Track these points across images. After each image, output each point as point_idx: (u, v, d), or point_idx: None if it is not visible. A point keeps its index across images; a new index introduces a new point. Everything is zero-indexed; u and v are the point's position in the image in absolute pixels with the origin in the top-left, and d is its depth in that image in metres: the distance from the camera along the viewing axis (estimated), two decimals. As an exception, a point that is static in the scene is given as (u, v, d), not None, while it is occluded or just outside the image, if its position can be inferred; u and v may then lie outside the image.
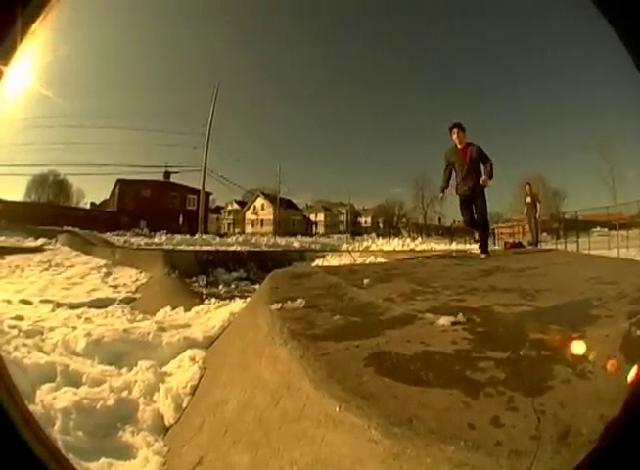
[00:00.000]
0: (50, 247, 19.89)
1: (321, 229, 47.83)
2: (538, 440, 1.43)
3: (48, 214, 29.52)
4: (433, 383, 1.87)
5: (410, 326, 2.80)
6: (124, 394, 3.79)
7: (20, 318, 7.17)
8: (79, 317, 7.65)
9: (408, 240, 27.44)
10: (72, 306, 8.95)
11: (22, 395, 2.13)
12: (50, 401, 3.42)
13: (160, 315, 7.64)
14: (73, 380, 4.03)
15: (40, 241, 21.14)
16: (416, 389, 1.81)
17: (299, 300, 3.54)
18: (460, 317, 2.85)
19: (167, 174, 39.73)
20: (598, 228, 29.85)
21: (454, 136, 9.41)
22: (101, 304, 9.52)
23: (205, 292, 12.29)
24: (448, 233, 36.61)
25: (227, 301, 8.57)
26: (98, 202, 41.25)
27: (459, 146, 9.39)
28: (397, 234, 32.32)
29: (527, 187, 18.48)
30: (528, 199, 17.80)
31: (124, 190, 37.65)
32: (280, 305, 3.44)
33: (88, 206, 40.09)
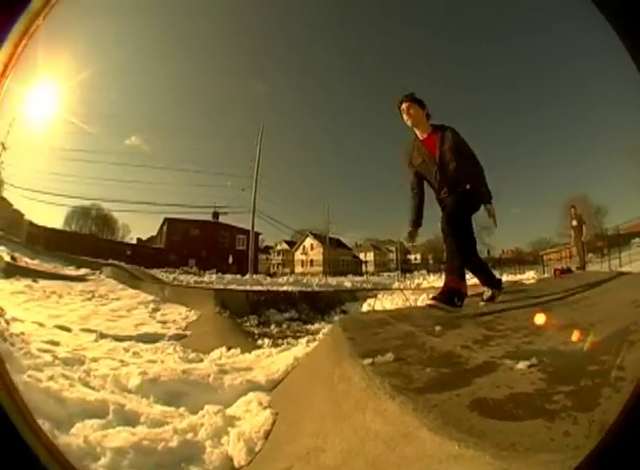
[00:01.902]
0: (93, 278, 19.68)
1: (371, 268, 47.36)
2: (589, 437, 1.84)
3: (91, 246, 29.60)
4: (523, 417, 2.19)
5: (494, 373, 3.02)
6: (189, 436, 3.72)
7: (54, 343, 7.11)
8: (126, 350, 7.63)
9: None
10: (118, 339, 8.79)
11: (52, 423, 2.69)
12: (98, 438, 3.33)
13: (214, 355, 7.54)
14: (128, 418, 3.98)
15: (83, 271, 20.97)
16: (512, 423, 2.13)
17: (389, 354, 3.51)
18: (534, 360, 3.06)
19: (216, 215, 40.14)
20: (637, 239, 28.91)
21: (406, 117, 6.16)
22: (149, 338, 9.35)
23: (256, 332, 12.41)
24: (498, 264, 35.65)
25: (288, 345, 8.64)
26: (145, 238, 41.51)
27: (420, 135, 6.28)
28: (436, 270, 31.55)
29: (572, 210, 17.88)
30: (574, 222, 17.17)
31: (173, 228, 37.93)
32: (371, 359, 3.41)
33: (134, 241, 40.30)
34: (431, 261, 47.89)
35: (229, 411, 4.41)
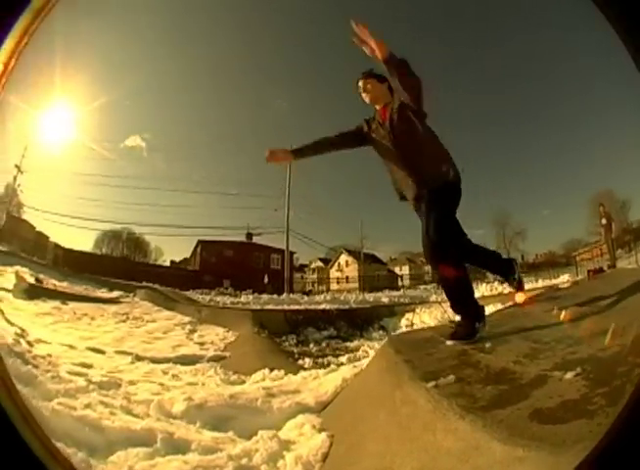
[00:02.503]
0: (127, 300, 19.57)
1: (407, 281, 46.99)
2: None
3: (123, 269, 29.55)
4: (571, 419, 2.37)
5: (546, 385, 3.13)
6: (244, 461, 3.69)
7: (87, 366, 6.98)
8: (165, 373, 7.56)
9: (496, 284, 26.29)
10: (155, 361, 8.66)
11: (86, 450, 2.73)
12: (146, 468, 3.39)
13: (257, 377, 7.41)
14: (177, 446, 3.94)
15: (115, 293, 20.83)
16: (565, 425, 2.31)
17: (451, 376, 3.54)
18: (578, 370, 3.18)
19: (249, 235, 40.19)
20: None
21: (364, 95, 5.33)
22: (187, 360, 9.13)
23: (296, 351, 12.15)
24: (532, 269, 35.02)
25: (334, 366, 8.16)
26: (178, 260, 41.57)
27: (377, 107, 5.33)
28: (483, 278, 30.99)
29: (601, 208, 17.52)
30: (604, 220, 16.74)
31: (207, 250, 37.94)
32: (434, 382, 3.44)
33: (168, 263, 40.37)
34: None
35: (282, 435, 4.33)
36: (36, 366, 5.85)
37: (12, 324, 8.72)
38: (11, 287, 13.34)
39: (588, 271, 16.00)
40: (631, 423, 1.65)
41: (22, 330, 8.25)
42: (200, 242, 38.47)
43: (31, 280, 16.13)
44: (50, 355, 6.82)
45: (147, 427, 4.09)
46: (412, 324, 15.61)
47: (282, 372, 7.46)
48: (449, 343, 4.96)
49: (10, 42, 1.79)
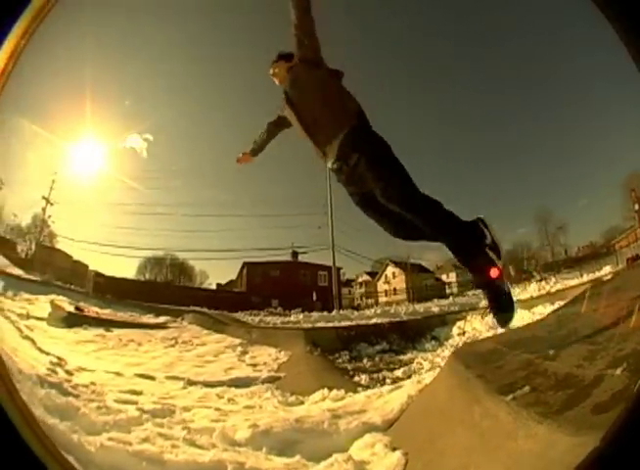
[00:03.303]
0: (175, 324, 19.61)
1: (455, 288, 46.70)
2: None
3: (168, 294, 29.55)
4: (617, 406, 2.44)
5: (603, 382, 3.24)
6: None
7: (136, 393, 6.87)
8: (219, 397, 7.50)
9: (543, 283, 25.80)
10: (208, 385, 8.54)
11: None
12: None
13: (316, 397, 7.39)
14: None
15: (162, 318, 20.78)
16: (612, 412, 2.40)
17: (526, 387, 3.61)
18: (625, 365, 3.28)
19: (295, 254, 40.23)
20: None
21: (275, 80, 5.27)
22: (241, 383, 9.00)
23: (350, 367, 12.03)
24: (576, 264, 34.26)
25: (397, 383, 7.90)
26: (224, 282, 41.67)
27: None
28: (529, 278, 30.51)
29: (633, 194, 17.19)
30: (637, 206, 16.33)
31: (253, 271, 37.97)
32: (512, 395, 3.51)
33: (214, 286, 40.48)
34: (512, 273, 46.51)
35: (355, 456, 4.32)
36: (77, 396, 5.70)
37: (46, 353, 8.45)
38: (45, 315, 13.19)
39: (627, 259, 17.34)
40: (631, 423, 1.77)
41: (60, 359, 8.01)
42: (245, 264, 38.58)
43: (70, 308, 15.96)
44: (94, 384, 6.66)
45: (215, 458, 4.01)
46: (464, 332, 15.48)
47: (342, 391, 7.37)
48: (501, 330, 5.78)
49: (10, 41, 1.88)
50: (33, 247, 25.39)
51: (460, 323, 17.63)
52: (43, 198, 24.56)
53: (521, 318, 13.31)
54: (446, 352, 11.77)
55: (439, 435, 4.09)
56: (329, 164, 4.79)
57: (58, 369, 7.24)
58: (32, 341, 9.18)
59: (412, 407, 5.40)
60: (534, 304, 16.44)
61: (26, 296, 15.24)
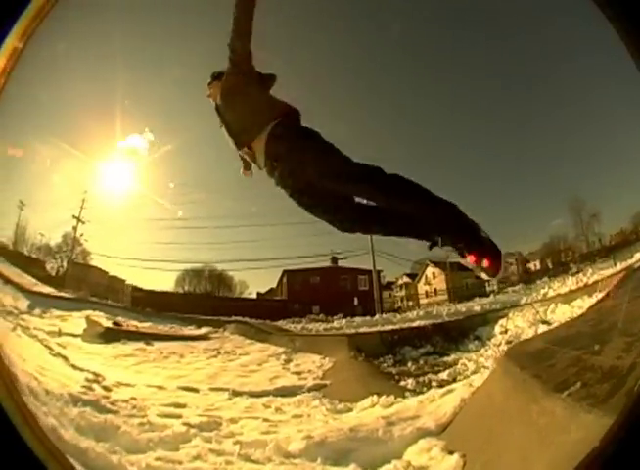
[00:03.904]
0: (216, 335, 19.52)
1: (495, 286, 46.32)
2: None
3: (207, 305, 29.59)
4: (628, 409, 2.33)
5: (635, 371, 3.53)
6: None
7: (179, 406, 7.00)
8: (266, 407, 7.65)
9: (580, 275, 25.47)
10: (254, 395, 8.66)
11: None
12: None
13: (365, 403, 7.48)
14: None
15: (204, 330, 20.78)
16: None
17: (578, 383, 3.86)
18: None
19: (334, 260, 40.18)
20: None
21: (211, 99, 5.09)
22: (287, 392, 9.10)
23: (395, 372, 12.17)
24: (609, 252, 33.69)
25: (449, 387, 7.68)
26: (264, 291, 41.76)
27: None
28: (566, 271, 30.02)
29: None
30: None
31: (293, 279, 37.91)
32: (567, 391, 3.77)
33: (254, 296, 40.58)
34: (550, 266, 46.11)
35: (413, 462, 4.54)
36: (116, 412, 5.64)
37: (81, 370, 8.40)
38: (79, 332, 13.12)
39: None
40: (631, 423, 1.83)
41: (96, 375, 7.99)
42: (285, 272, 38.49)
43: (107, 323, 15.93)
44: (134, 399, 6.63)
45: None
46: (506, 330, 15.32)
47: (391, 397, 7.43)
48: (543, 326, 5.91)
49: (11, 40, 1.95)
50: (65, 264, 25.54)
51: (502, 321, 17.38)
52: (74, 217, 24.70)
53: (562, 314, 14.51)
54: (490, 351, 11.76)
55: (497, 435, 4.29)
56: (262, 168, 4.60)
57: (94, 386, 7.18)
58: (65, 358, 9.15)
59: (466, 410, 5.51)
60: (573, 297, 16.45)
61: (58, 313, 15.18)
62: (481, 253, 4.08)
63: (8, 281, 15.63)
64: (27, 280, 18.77)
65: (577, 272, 25.11)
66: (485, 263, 4.07)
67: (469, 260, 4.16)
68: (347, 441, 5.05)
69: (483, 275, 4.17)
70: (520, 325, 15.38)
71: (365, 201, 4.26)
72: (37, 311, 14.49)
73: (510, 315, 17.91)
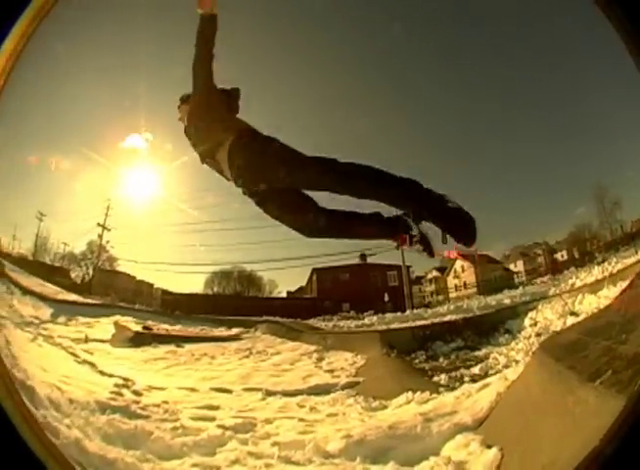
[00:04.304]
0: (248, 335, 19.61)
1: (523, 277, 45.96)
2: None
3: (237, 305, 29.60)
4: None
5: None
6: None
7: (213, 408, 6.98)
8: (300, 406, 7.66)
9: (605, 264, 25.19)
10: (287, 394, 8.69)
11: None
12: None
13: (400, 401, 7.47)
14: None
15: (235, 330, 20.76)
16: None
17: (609, 371, 3.97)
18: None
19: (363, 256, 39.97)
20: None
21: (182, 122, 5.36)
22: (321, 390, 9.08)
23: (427, 367, 12.07)
24: (631, 240, 33.07)
25: (484, 381, 7.68)
26: (293, 290, 41.72)
27: None
28: (592, 260, 29.68)
29: None
30: None
31: (322, 277, 37.78)
32: (599, 380, 3.87)
33: (284, 295, 40.56)
34: (577, 256, 45.56)
35: (453, 457, 4.59)
36: (147, 417, 5.64)
37: (109, 376, 8.44)
38: (107, 337, 13.17)
39: None
40: (631, 423, 1.86)
41: (126, 380, 7.99)
42: (314, 270, 38.29)
43: (137, 328, 15.95)
44: (166, 403, 6.64)
45: None
46: (536, 323, 15.05)
47: (426, 394, 7.46)
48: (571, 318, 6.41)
49: (11, 39, 1.98)
50: (91, 271, 25.73)
51: (531, 314, 17.10)
52: (98, 224, 24.83)
53: (589, 304, 14.47)
54: (520, 344, 11.67)
55: (533, 426, 4.38)
56: (230, 179, 4.87)
57: (124, 391, 7.19)
58: (92, 365, 9.20)
59: (502, 404, 5.58)
60: (599, 287, 16.08)
61: (85, 320, 15.27)
62: (451, 222, 4.37)
63: (28, 291, 15.61)
64: (50, 289, 18.74)
65: (602, 261, 24.88)
66: (456, 233, 4.41)
67: (441, 233, 4.45)
68: (386, 439, 5.04)
69: (459, 246, 4.52)
70: (549, 317, 15.21)
71: (329, 207, 4.58)
72: (62, 319, 14.57)
73: (539, 307, 17.70)
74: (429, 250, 4.60)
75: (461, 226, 4.38)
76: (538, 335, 12.14)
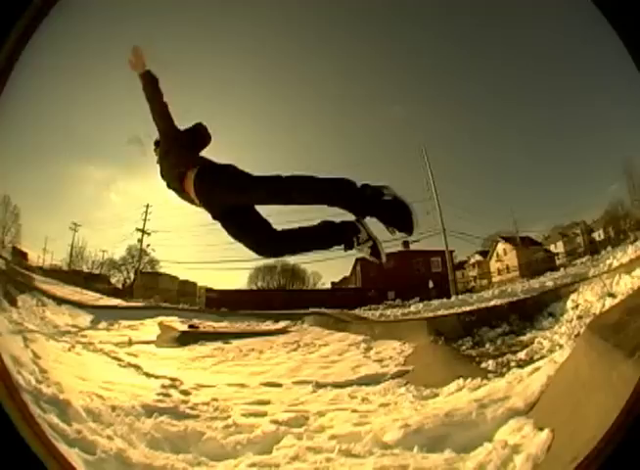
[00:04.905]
0: (295, 328, 19.63)
1: (563, 259, 45.42)
2: None
3: (282, 299, 29.59)
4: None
5: None
6: None
7: (264, 403, 7.07)
8: (352, 397, 7.72)
9: (638, 242, 24.74)
10: (338, 385, 8.75)
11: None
12: None
13: (451, 388, 7.56)
14: None
15: (282, 324, 20.85)
16: None
17: None
18: None
19: (406, 243, 39.81)
20: None
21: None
22: (371, 380, 9.09)
23: (474, 354, 11.98)
24: None
25: (535, 365, 7.75)
26: (338, 280, 41.73)
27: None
28: (626, 239, 29.13)
29: None
30: None
31: (366, 266, 37.64)
32: (637, 354, 3.98)
33: (329, 286, 40.56)
34: (612, 235, 44.79)
35: (502, 438, 4.77)
36: (197, 417, 5.63)
37: (156, 377, 8.50)
38: (152, 339, 13.37)
39: None
40: (632, 423, 1.88)
41: (173, 380, 8.08)
42: (358, 259, 38.08)
43: (183, 327, 16.04)
44: (216, 400, 6.64)
45: (378, 466, 4.25)
46: (577, 305, 14.68)
47: (477, 380, 7.55)
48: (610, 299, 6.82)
49: (12, 39, 1.97)
50: (132, 275, 25.94)
51: (573, 296, 16.68)
52: (137, 230, 25.02)
53: (624, 285, 14.42)
54: (563, 328, 11.60)
55: (582, 405, 4.50)
56: (198, 205, 5.14)
57: (171, 391, 7.24)
58: (137, 367, 9.27)
59: (552, 387, 5.66)
60: (633, 267, 15.90)
61: (128, 323, 15.39)
62: (387, 214, 4.32)
63: (63, 301, 15.75)
64: (89, 296, 19.02)
65: (635, 240, 24.54)
66: (395, 224, 4.29)
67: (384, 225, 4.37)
68: (442, 427, 5.12)
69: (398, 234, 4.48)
70: (589, 299, 14.96)
71: (281, 226, 4.72)
72: (103, 325, 14.75)
73: (580, 289, 17.06)
74: (376, 253, 4.50)
75: (398, 216, 4.28)
76: (580, 318, 12.09)
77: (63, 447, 4.23)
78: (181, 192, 5.13)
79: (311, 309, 23.34)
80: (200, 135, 5.44)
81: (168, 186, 5.29)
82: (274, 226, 4.71)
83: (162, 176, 5.37)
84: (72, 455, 4.14)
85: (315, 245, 4.70)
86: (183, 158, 5.13)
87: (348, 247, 4.51)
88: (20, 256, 19.96)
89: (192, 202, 5.08)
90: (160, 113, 5.16)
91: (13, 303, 12.27)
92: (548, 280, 25.49)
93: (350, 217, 4.47)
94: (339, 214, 4.41)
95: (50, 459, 1.89)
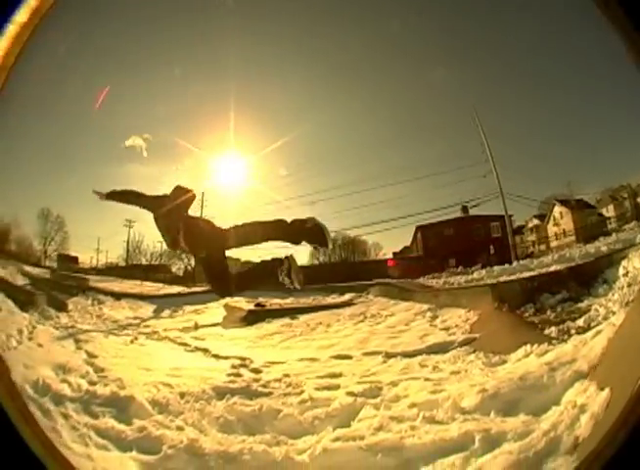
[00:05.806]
0: (360, 300, 19.32)
1: (614, 223, 44.01)
2: None
3: (346, 272, 29.42)
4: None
5: None
6: (552, 434, 4.21)
7: (335, 376, 7.26)
8: (422, 366, 7.81)
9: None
10: (407, 355, 8.84)
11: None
12: None
13: (519, 354, 7.53)
14: (493, 441, 4.30)
15: (347, 296, 20.71)
16: None
17: None
18: None
19: (465, 209, 38.86)
20: None
21: None
22: (439, 349, 9.18)
23: (536, 321, 11.68)
24: None
25: (597, 328, 7.69)
26: (399, 250, 41.32)
27: None
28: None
29: None
30: None
31: (426, 234, 36.88)
32: None
33: (390, 256, 40.27)
34: (644, 217, 43.43)
35: (571, 399, 4.84)
36: (270, 394, 5.81)
37: (225, 358, 8.72)
38: (219, 320, 13.70)
39: None
40: (632, 423, 1.86)
41: (243, 359, 8.29)
42: (418, 227, 37.30)
43: (249, 306, 16.18)
44: (287, 376, 6.84)
45: (462, 431, 4.38)
46: (627, 272, 13.76)
47: (544, 345, 7.49)
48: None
49: (11, 34, 2.04)
50: (193, 262, 26.09)
51: (624, 263, 15.70)
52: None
53: None
54: (616, 295, 11.27)
55: (636, 364, 4.23)
56: (188, 252, 7.70)
57: (242, 371, 7.45)
58: (205, 350, 9.53)
59: (610, 348, 5.63)
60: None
61: (192, 308, 15.72)
62: (307, 237, 6.53)
63: (122, 295, 16.30)
64: (150, 287, 19.56)
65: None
66: (314, 243, 6.69)
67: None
68: (517, 390, 5.27)
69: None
70: (637, 266, 14.01)
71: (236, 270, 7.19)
72: (166, 313, 15.15)
73: (630, 256, 17.17)
74: (291, 281, 6.73)
75: (316, 237, 6.51)
76: (630, 285, 11.64)
77: (109, 455, 4.48)
78: (177, 244, 7.24)
79: (375, 280, 23.02)
80: (188, 202, 7.32)
81: (165, 240, 7.48)
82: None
83: (159, 231, 7.43)
84: (127, 461, 4.33)
85: (261, 282, 7.58)
86: (175, 219, 7.11)
87: (274, 277, 6.70)
88: (68, 261, 19.89)
89: (184, 251, 7.54)
90: (140, 205, 7.54)
91: (61, 308, 12.51)
92: (602, 245, 24.94)
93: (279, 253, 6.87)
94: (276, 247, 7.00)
95: (50, 459, 1.96)
